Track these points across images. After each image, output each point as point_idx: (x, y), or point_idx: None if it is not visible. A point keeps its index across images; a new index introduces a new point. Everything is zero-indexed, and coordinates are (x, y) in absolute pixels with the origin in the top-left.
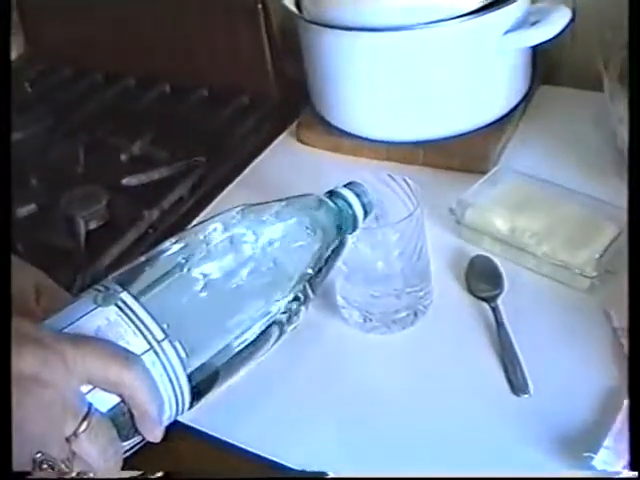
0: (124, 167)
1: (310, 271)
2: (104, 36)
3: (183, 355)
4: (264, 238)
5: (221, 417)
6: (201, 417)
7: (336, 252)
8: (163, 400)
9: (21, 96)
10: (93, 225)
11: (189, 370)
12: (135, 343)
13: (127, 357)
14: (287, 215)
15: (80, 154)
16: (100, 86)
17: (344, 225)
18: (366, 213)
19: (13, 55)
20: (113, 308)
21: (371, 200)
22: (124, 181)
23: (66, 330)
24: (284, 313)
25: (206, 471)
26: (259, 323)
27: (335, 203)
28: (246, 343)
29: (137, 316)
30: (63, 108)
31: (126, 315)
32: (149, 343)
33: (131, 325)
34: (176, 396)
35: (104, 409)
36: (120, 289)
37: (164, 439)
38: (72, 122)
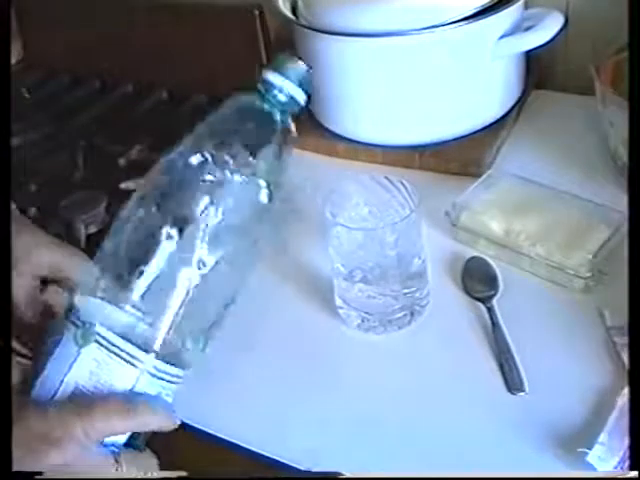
0: (122, 172)
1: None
2: (102, 43)
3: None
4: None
5: (222, 416)
6: (205, 418)
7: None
8: (172, 406)
9: (19, 103)
10: (93, 229)
11: (186, 353)
12: (126, 373)
13: (127, 408)
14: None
15: (79, 159)
16: (98, 93)
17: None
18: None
19: (12, 61)
20: (94, 345)
21: (301, 71)
22: (122, 185)
23: (62, 388)
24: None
25: (215, 472)
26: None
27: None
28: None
29: (117, 347)
30: (61, 115)
31: (108, 349)
32: (137, 367)
33: (115, 358)
34: (178, 383)
35: (123, 440)
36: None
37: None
38: (71, 128)
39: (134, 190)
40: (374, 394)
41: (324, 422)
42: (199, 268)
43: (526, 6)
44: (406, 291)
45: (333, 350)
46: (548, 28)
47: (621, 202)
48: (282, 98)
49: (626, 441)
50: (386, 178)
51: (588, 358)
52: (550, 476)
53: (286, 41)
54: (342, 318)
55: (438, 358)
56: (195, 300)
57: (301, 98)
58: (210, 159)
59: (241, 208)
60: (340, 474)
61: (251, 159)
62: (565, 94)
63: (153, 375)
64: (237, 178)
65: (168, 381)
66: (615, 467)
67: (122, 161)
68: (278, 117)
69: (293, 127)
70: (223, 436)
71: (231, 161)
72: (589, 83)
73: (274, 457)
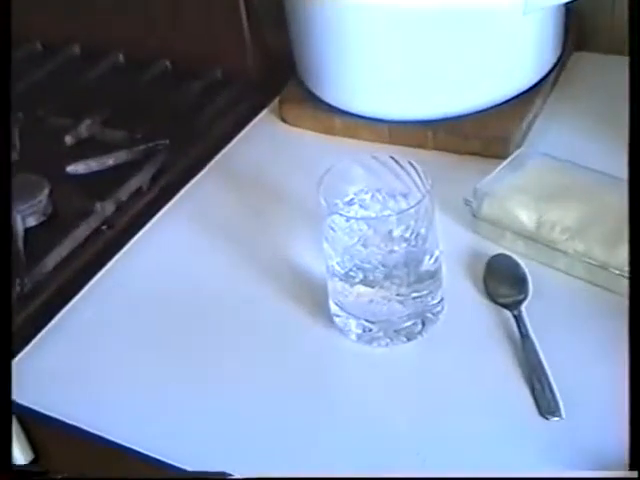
0: (69, 152)
1: None
2: None
3: None
4: None
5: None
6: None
7: None
8: None
9: None
10: (33, 221)
11: None
12: None
13: None
14: None
15: (15, 137)
16: (39, 57)
17: None
18: None
19: None
20: None
21: None
22: (69, 168)
23: None
24: None
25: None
26: None
27: None
28: None
29: None
30: None
31: None
32: None
33: None
34: None
35: None
36: None
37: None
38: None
39: (84, 175)
40: (379, 421)
41: (323, 452)
42: None
43: None
44: (416, 295)
45: (328, 367)
46: None
47: None
48: None
49: None
50: (392, 158)
51: None
52: (550, 476)
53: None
54: (339, 328)
55: (455, 376)
56: None
57: None
58: None
59: None
60: (228, 474)
61: None
62: (611, 56)
63: None
64: None
65: None
66: None
67: (68, 138)
68: None
69: None
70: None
71: None
72: None
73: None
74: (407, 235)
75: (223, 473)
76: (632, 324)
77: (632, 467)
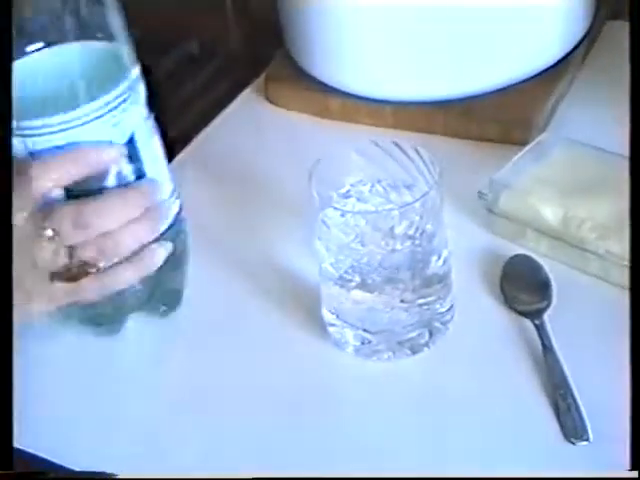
0: None
1: None
2: None
3: None
4: None
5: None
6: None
7: None
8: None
9: None
10: None
11: None
12: None
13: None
14: None
15: None
16: None
17: None
18: None
19: None
20: None
21: None
22: None
23: None
24: None
25: None
26: None
27: None
28: None
29: None
30: None
31: None
32: None
33: None
34: None
35: None
36: None
37: None
38: None
39: None
40: (379, 446)
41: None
42: None
43: None
44: (422, 301)
45: (321, 385)
46: None
47: None
48: None
49: None
50: (395, 144)
51: None
52: (550, 476)
53: None
54: (334, 339)
55: (467, 395)
56: None
57: None
58: None
59: None
60: (114, 475)
61: None
62: None
63: None
64: None
65: None
66: None
67: None
68: None
69: None
70: None
71: None
72: None
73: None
74: (411, 232)
75: (106, 473)
76: (633, 323)
77: (632, 467)
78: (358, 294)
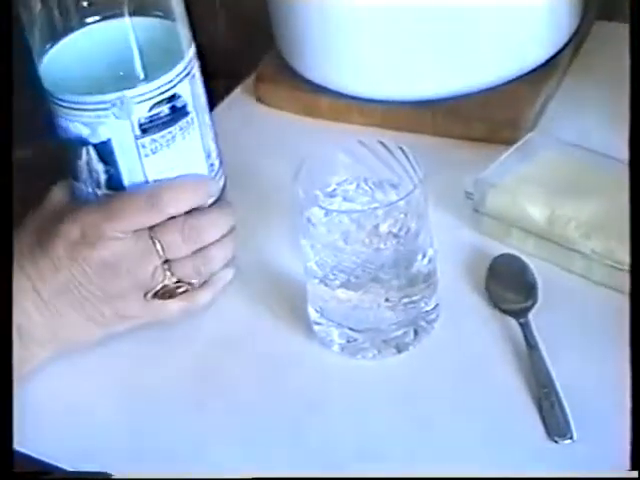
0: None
1: None
2: None
3: None
4: None
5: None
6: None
7: None
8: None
9: None
10: None
11: None
12: None
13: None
14: None
15: None
16: None
17: None
18: None
19: None
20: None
21: None
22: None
23: None
24: None
25: None
26: None
27: None
28: None
29: None
30: None
31: None
32: None
33: None
34: None
35: None
36: None
37: None
38: None
39: (25, 160)
40: (365, 443)
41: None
42: None
43: None
44: (407, 300)
45: (307, 383)
46: None
47: None
48: None
49: None
50: (380, 143)
51: None
52: (550, 476)
53: None
54: (319, 338)
55: (452, 393)
56: None
57: None
58: None
59: None
60: (108, 474)
61: None
62: None
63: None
64: None
65: None
66: None
67: None
68: None
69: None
70: None
71: None
72: None
73: None
74: (395, 231)
75: (102, 473)
76: (633, 322)
77: (632, 467)
78: (343, 293)
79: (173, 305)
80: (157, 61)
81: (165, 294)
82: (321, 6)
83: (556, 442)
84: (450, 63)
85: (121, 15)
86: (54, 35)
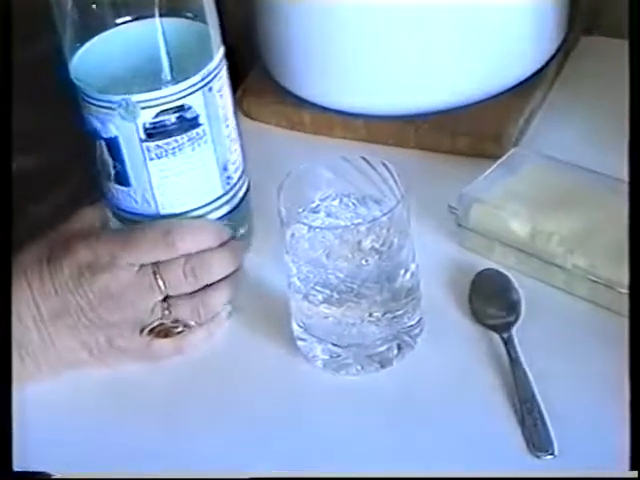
0: None
1: None
2: None
3: None
4: None
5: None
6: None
7: None
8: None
9: None
10: None
11: None
12: None
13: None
14: None
15: None
16: None
17: None
18: None
19: None
20: None
21: None
22: None
23: None
24: None
25: None
26: None
27: None
28: None
29: None
30: None
31: None
32: None
33: None
34: None
35: None
36: None
37: None
38: None
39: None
40: (349, 458)
41: None
42: None
43: None
44: (390, 315)
45: (289, 399)
46: None
47: None
48: None
49: None
50: (363, 158)
51: None
52: (549, 476)
53: None
54: (303, 353)
55: (435, 409)
56: None
57: None
58: None
59: None
60: (49, 474)
61: None
62: (624, 41)
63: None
64: None
65: None
66: None
67: None
68: None
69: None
70: None
71: None
72: None
73: None
74: (378, 246)
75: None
76: (633, 322)
77: (632, 467)
78: (326, 308)
79: (166, 344)
80: (186, 63)
81: (161, 332)
82: (305, 21)
83: (538, 457)
84: (435, 77)
85: (152, 16)
86: (86, 34)
